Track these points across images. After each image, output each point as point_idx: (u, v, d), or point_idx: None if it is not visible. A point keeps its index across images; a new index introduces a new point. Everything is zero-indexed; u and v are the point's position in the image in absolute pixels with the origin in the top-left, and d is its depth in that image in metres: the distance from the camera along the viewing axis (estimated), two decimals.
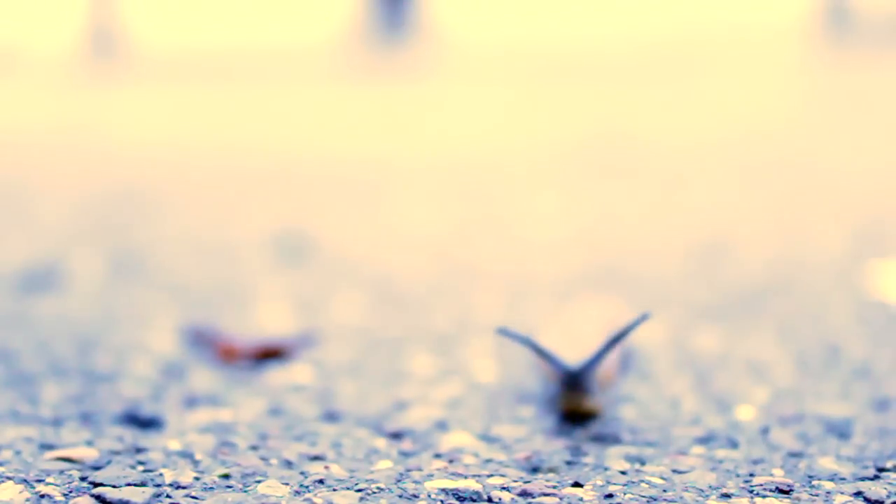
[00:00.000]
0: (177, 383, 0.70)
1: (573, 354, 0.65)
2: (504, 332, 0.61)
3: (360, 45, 5.95)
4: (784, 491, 0.54)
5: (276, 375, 0.71)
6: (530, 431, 0.62)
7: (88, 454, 0.58)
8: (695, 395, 0.67)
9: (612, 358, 0.66)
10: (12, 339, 0.79)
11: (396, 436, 0.61)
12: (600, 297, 0.89)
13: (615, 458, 0.58)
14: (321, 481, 0.55)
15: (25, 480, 0.55)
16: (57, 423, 0.63)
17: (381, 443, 0.60)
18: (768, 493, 0.53)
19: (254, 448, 0.59)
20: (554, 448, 0.59)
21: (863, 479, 0.55)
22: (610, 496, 0.53)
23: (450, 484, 0.54)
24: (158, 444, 0.60)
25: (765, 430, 0.61)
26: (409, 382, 0.70)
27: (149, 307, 0.88)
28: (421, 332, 0.81)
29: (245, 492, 0.54)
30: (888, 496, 0.53)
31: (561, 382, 0.62)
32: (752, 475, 0.56)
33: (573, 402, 0.62)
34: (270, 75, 3.99)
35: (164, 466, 0.57)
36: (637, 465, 0.57)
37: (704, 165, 1.65)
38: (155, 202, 1.37)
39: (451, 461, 0.57)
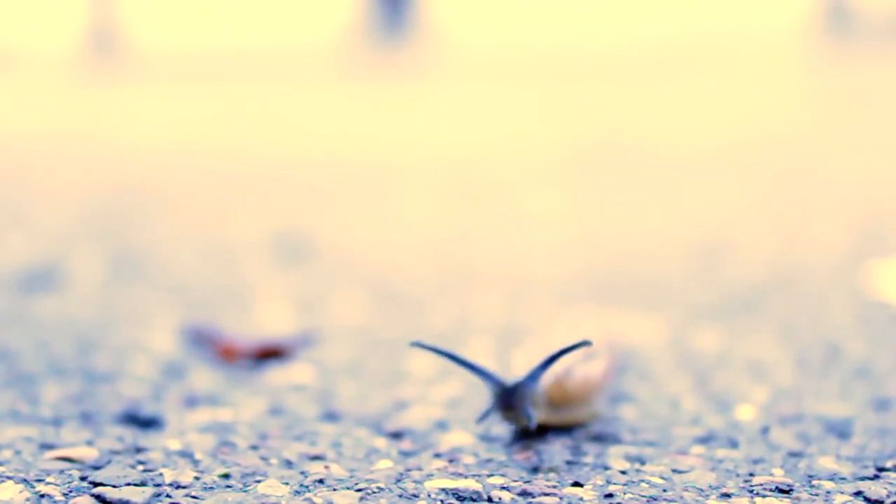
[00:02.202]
0: (177, 383, 0.70)
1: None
2: (419, 346, 0.58)
3: (361, 46, 5.95)
4: (784, 491, 0.54)
5: (276, 375, 0.71)
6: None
7: (88, 454, 0.58)
8: (695, 395, 0.67)
9: (604, 368, 0.64)
10: (12, 339, 0.79)
11: (396, 435, 0.61)
12: (596, 308, 0.89)
13: (615, 457, 0.58)
14: (321, 481, 0.55)
15: (25, 480, 0.55)
16: (57, 422, 0.63)
17: (380, 442, 0.60)
18: (768, 492, 0.53)
19: (254, 448, 0.59)
20: (554, 448, 0.59)
21: (863, 478, 0.55)
22: (610, 496, 0.53)
23: (450, 483, 0.54)
24: (158, 444, 0.60)
25: (765, 430, 0.61)
26: (409, 382, 0.70)
27: (149, 307, 0.88)
28: (421, 332, 0.81)
29: (245, 491, 0.54)
30: (888, 496, 0.53)
31: (493, 399, 0.59)
32: (751, 475, 0.56)
33: (513, 421, 0.58)
34: (270, 76, 3.99)
35: (164, 466, 0.57)
36: (637, 465, 0.57)
37: (705, 166, 1.65)
38: (155, 202, 1.37)
39: (450, 461, 0.57)
